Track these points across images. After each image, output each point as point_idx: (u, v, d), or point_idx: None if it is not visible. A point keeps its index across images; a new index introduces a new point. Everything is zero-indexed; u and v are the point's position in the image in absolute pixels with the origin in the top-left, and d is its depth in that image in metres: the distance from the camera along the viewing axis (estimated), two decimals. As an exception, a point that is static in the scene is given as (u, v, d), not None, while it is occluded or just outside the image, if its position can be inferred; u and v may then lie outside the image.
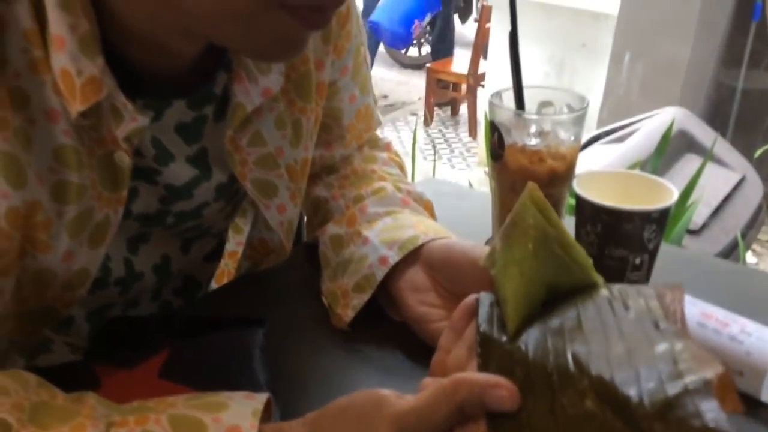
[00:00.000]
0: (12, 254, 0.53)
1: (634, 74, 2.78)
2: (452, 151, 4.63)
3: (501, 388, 0.43)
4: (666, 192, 0.71)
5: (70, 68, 0.50)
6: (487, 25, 4.25)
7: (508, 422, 0.43)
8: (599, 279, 0.49)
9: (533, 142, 0.71)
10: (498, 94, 0.74)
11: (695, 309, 0.63)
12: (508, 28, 0.72)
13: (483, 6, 4.38)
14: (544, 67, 3.52)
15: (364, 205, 0.76)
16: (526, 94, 0.73)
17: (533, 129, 0.72)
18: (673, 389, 0.37)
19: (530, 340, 0.45)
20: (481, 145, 4.25)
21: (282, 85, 0.67)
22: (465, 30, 6.59)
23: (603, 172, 0.76)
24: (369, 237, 0.71)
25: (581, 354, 0.42)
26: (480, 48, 4.44)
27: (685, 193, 1.41)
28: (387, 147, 0.88)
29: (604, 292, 0.48)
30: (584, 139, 2.15)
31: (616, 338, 0.42)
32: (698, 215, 1.64)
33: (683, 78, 2.65)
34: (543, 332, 0.45)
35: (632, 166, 1.61)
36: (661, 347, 0.41)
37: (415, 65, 6.13)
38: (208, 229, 0.74)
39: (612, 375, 0.40)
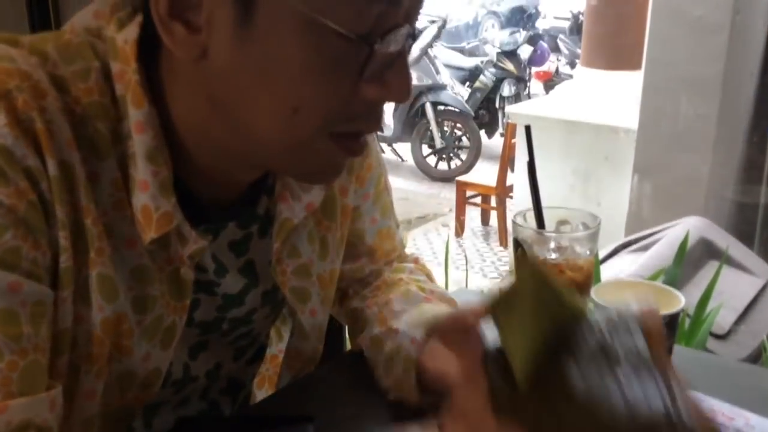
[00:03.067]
0: (104, 358, 0.64)
1: (657, 187, 2.88)
2: (484, 260, 4.72)
3: None
4: (675, 299, 0.79)
5: (150, 205, 0.62)
6: (513, 141, 4.43)
7: None
8: (588, 313, 0.56)
9: (553, 256, 0.81)
10: (521, 214, 0.84)
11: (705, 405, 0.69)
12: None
13: (508, 123, 4.58)
14: (569, 179, 3.65)
15: (391, 305, 0.87)
16: (546, 214, 0.83)
17: (552, 245, 0.81)
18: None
19: (536, 396, 0.52)
20: (511, 254, 4.31)
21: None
22: (491, 143, 6.82)
23: (618, 281, 0.85)
24: (399, 328, 0.82)
25: (583, 398, 0.50)
26: (507, 162, 4.61)
27: (703, 299, 1.47)
28: (414, 260, 0.99)
29: (595, 329, 0.54)
30: (611, 248, 2.23)
31: (611, 377, 0.50)
32: (723, 320, 1.69)
33: (705, 191, 2.74)
34: (546, 380, 0.53)
35: (655, 275, 1.68)
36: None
37: (444, 178, 6.33)
38: (258, 335, 0.84)
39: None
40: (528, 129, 0.84)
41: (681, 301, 0.78)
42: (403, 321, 0.83)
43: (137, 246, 0.64)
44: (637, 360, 0.51)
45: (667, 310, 0.77)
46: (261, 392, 0.93)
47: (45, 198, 0.56)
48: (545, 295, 0.55)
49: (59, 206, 0.57)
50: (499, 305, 0.58)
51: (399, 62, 0.59)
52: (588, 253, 0.82)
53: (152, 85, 0.62)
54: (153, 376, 0.70)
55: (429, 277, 0.97)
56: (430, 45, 6.24)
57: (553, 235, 0.82)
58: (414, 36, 0.61)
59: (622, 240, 2.26)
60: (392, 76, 0.59)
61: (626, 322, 0.54)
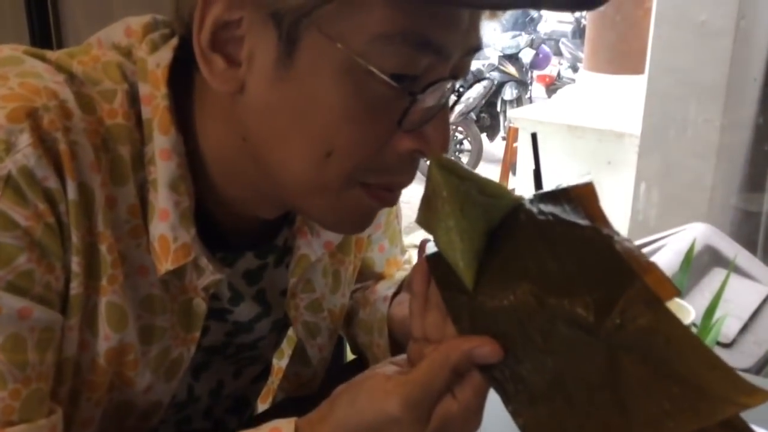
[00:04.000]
0: (104, 387, 0.62)
1: (660, 193, 2.87)
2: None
3: (484, 346, 0.50)
4: (684, 311, 0.78)
5: (169, 236, 0.60)
6: (514, 144, 4.42)
7: (498, 367, 0.50)
8: (518, 197, 0.54)
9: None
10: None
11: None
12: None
13: (510, 127, 4.57)
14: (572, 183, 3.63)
15: (374, 287, 0.88)
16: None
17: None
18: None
19: (488, 291, 0.51)
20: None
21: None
22: (493, 147, 6.80)
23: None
24: (378, 290, 0.85)
25: (532, 284, 0.48)
26: (508, 166, 4.60)
27: (711, 308, 1.45)
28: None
29: (525, 209, 0.52)
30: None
31: (549, 253, 0.48)
32: (729, 328, 1.67)
33: (708, 198, 2.73)
34: (495, 278, 0.51)
35: (660, 282, 1.66)
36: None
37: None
38: (260, 358, 0.82)
39: (561, 291, 0.46)
40: (534, 137, 0.82)
41: (691, 313, 0.77)
42: (380, 288, 0.85)
43: (149, 275, 0.62)
44: (568, 222, 0.49)
45: (676, 323, 0.75)
46: (264, 406, 0.91)
47: (62, 221, 0.55)
48: (461, 187, 0.53)
49: (75, 230, 0.55)
50: (426, 215, 0.55)
51: (439, 116, 0.57)
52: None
53: (181, 112, 0.60)
54: (153, 408, 0.68)
55: None
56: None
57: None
58: (458, 92, 0.59)
59: (626, 246, 2.24)
60: (431, 129, 0.57)
61: (556, 195, 0.51)
